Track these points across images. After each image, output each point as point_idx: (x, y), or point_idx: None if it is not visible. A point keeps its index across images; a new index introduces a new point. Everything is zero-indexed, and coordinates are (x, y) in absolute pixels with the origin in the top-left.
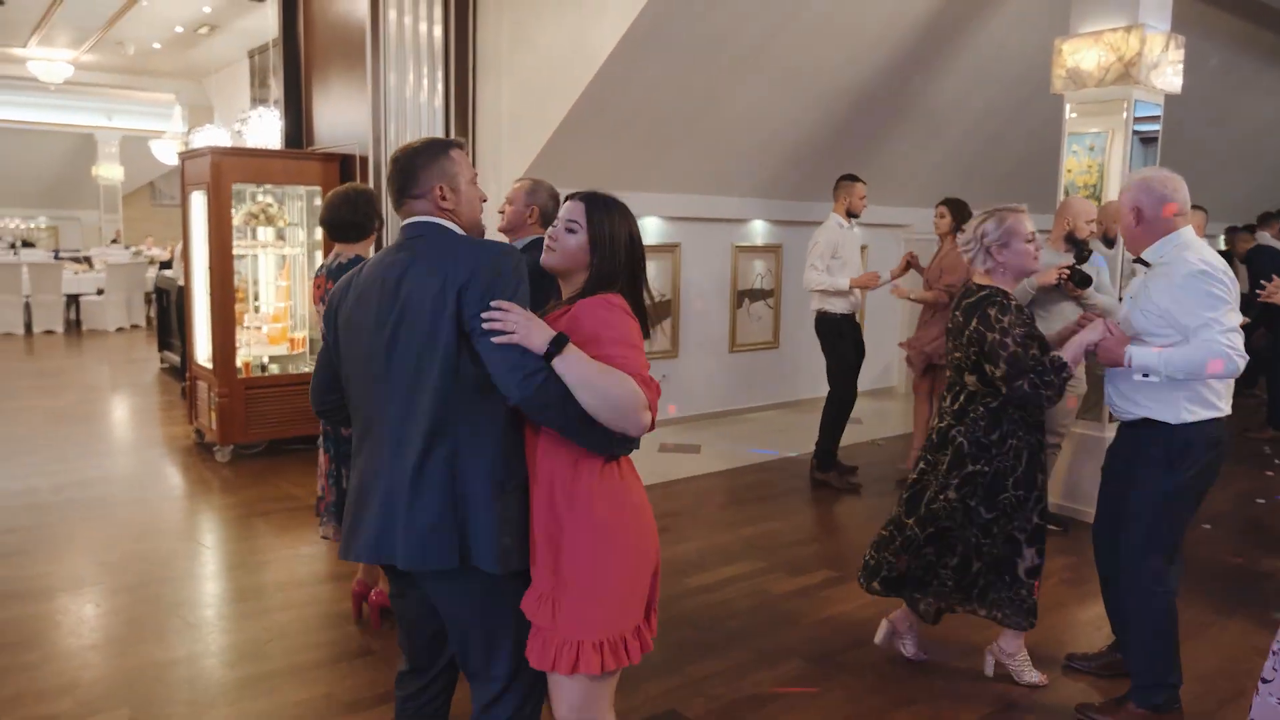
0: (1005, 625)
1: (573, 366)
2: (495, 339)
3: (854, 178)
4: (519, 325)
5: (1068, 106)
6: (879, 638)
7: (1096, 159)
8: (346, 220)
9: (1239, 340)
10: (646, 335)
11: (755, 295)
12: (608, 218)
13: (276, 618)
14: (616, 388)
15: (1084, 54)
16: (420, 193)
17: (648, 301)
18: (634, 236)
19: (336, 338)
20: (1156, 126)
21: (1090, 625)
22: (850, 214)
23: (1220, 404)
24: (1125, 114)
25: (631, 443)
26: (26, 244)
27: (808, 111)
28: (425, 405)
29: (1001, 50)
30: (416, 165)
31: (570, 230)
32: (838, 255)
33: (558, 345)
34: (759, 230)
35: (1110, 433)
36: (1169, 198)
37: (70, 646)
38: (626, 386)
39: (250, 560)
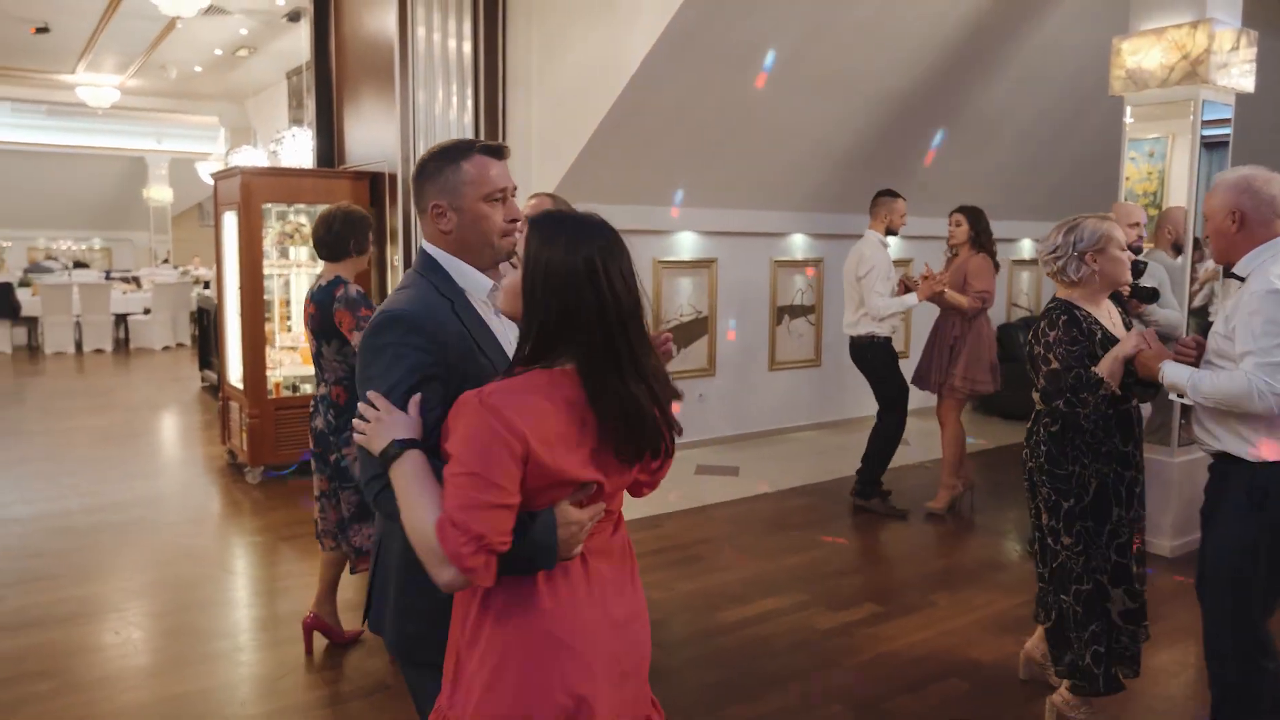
0: (1090, 687)
1: (398, 484)
2: (355, 435)
3: (894, 193)
4: (371, 422)
5: (1128, 109)
6: (1022, 673)
7: (1156, 165)
8: (321, 239)
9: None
10: (632, 451)
11: (795, 311)
12: (547, 246)
13: (293, 650)
14: (415, 524)
15: (1146, 53)
16: (421, 209)
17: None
18: (592, 270)
19: None
20: (1227, 130)
21: (1163, 673)
22: (890, 232)
23: None
24: (1192, 116)
25: (549, 557)
26: (80, 265)
27: (850, 120)
28: None
29: (1054, 51)
30: (420, 176)
31: (514, 264)
32: (891, 279)
33: (394, 452)
34: (799, 244)
35: (1179, 458)
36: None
37: (86, 678)
38: (422, 527)
39: (273, 587)
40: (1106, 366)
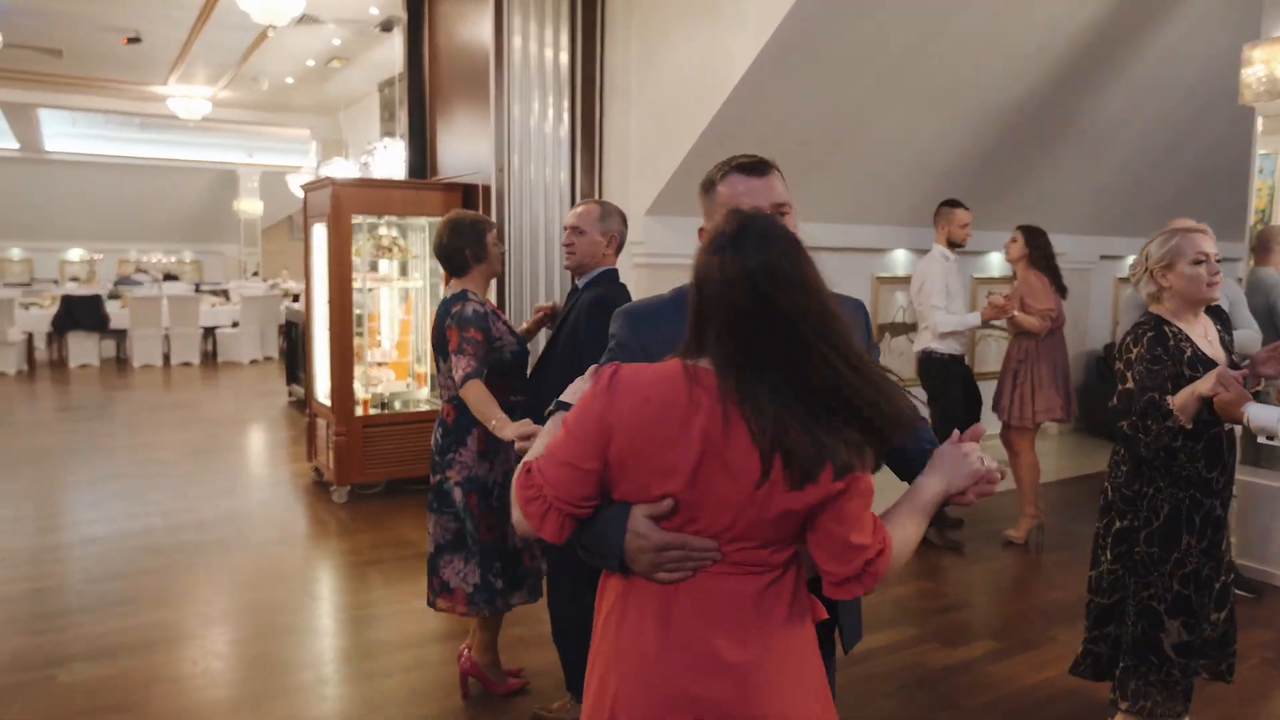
0: (1154, 716)
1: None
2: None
3: (956, 203)
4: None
5: (1258, 120)
6: None
7: (1266, 181)
8: (438, 253)
9: None
10: None
11: (896, 329)
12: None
13: (379, 684)
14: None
15: (1279, 61)
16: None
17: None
18: (748, 273)
19: None
20: None
21: None
22: (952, 244)
23: None
24: None
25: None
26: (170, 277)
27: (956, 133)
28: None
29: (1173, 61)
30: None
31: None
32: (957, 293)
33: (551, 409)
34: (900, 260)
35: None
36: None
37: (164, 711)
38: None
39: (360, 615)
40: (1181, 400)
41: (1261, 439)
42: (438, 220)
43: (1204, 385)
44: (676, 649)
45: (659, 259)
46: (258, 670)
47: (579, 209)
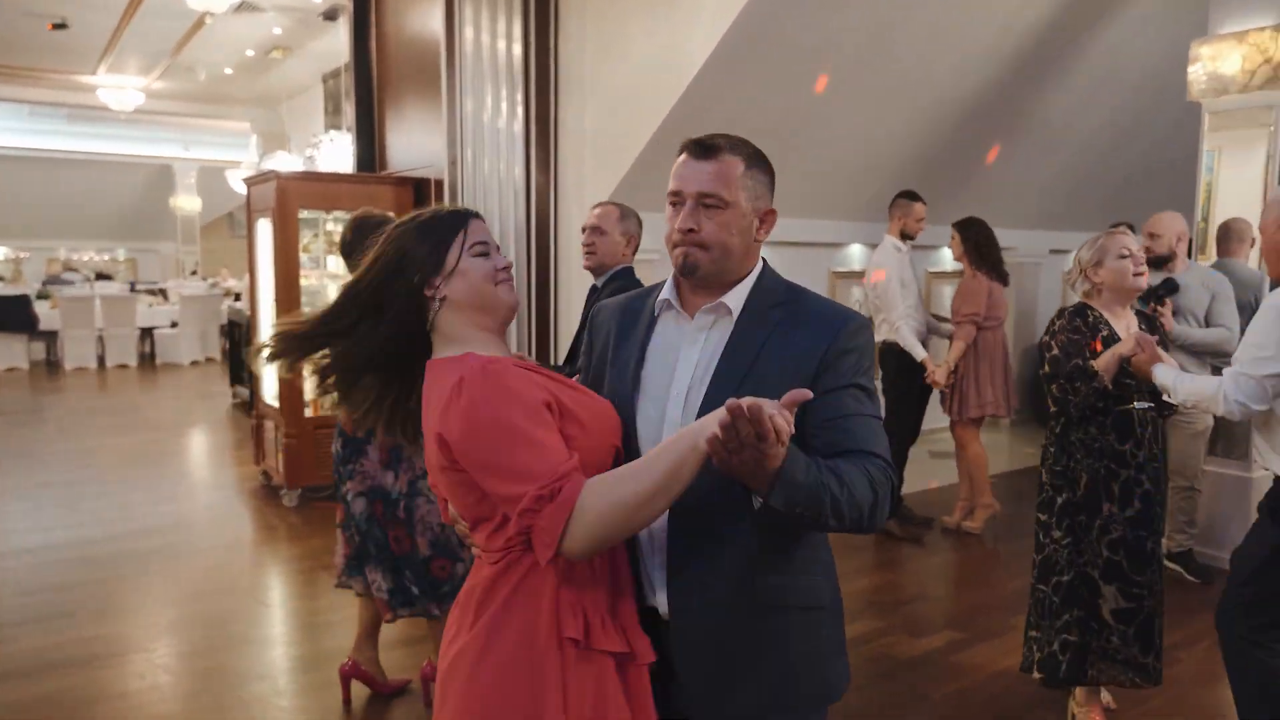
0: (1108, 684)
1: None
2: None
3: (914, 195)
4: None
5: (1205, 116)
6: None
7: (1206, 178)
8: (341, 249)
9: (1250, 391)
10: None
11: None
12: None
13: (335, 693)
14: None
15: (1225, 57)
16: None
17: None
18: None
19: None
20: None
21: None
22: (905, 236)
23: None
24: (1272, 125)
25: None
26: (103, 276)
27: (911, 128)
28: None
29: (1122, 57)
30: None
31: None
32: (911, 286)
33: None
34: (856, 255)
35: (1257, 473)
36: None
37: None
38: None
39: (313, 621)
40: (1104, 361)
41: (1165, 397)
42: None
43: (1124, 346)
44: None
45: None
46: (209, 683)
47: (599, 210)
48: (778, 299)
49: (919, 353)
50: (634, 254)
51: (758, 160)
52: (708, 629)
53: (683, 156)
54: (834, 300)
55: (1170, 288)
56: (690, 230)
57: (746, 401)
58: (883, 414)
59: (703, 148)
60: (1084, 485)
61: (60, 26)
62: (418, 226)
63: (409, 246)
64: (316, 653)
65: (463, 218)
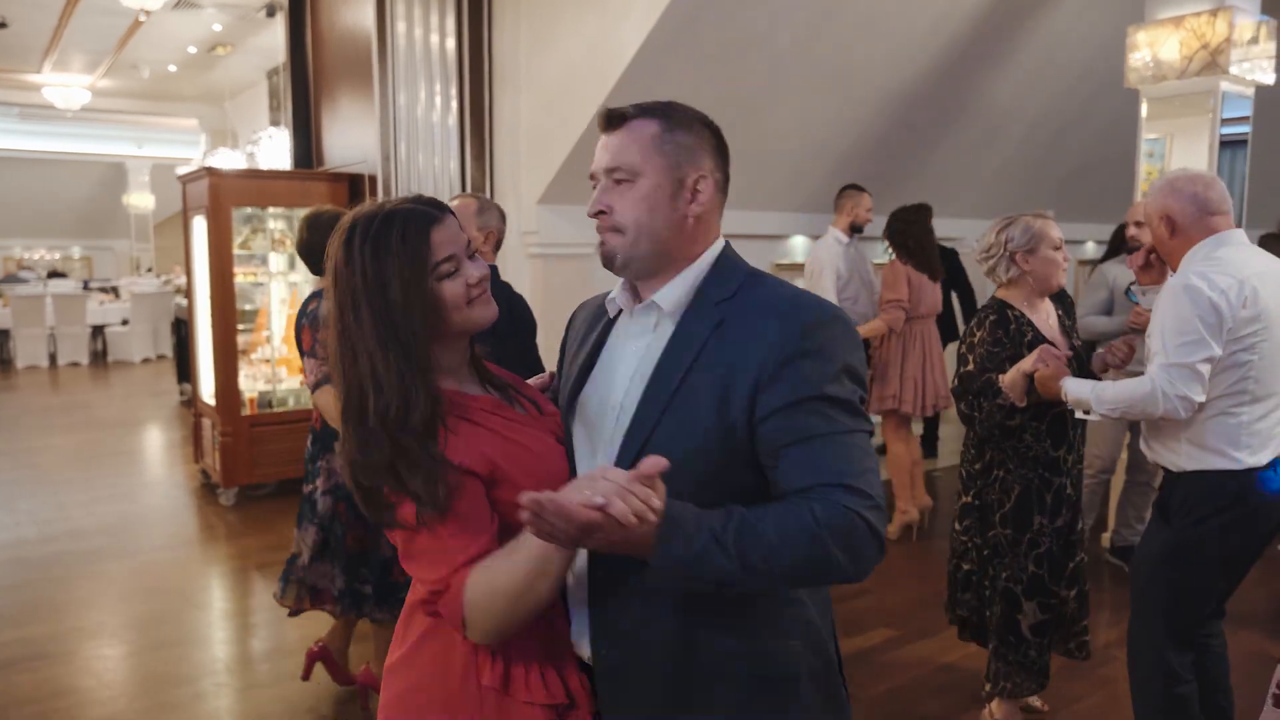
0: (1013, 696)
1: None
2: None
3: (859, 188)
4: None
5: (1143, 103)
6: None
7: (1156, 165)
8: (298, 250)
9: (1187, 380)
10: None
11: None
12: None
13: (261, 694)
14: None
15: (1163, 43)
16: None
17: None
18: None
19: None
20: (1246, 128)
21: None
22: (855, 228)
23: (1237, 454)
24: (1211, 109)
25: None
26: (56, 274)
27: (852, 118)
28: None
29: (1064, 42)
30: None
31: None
32: (851, 278)
33: None
34: (799, 247)
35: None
36: (1206, 199)
37: None
38: None
39: (244, 622)
40: (1009, 378)
41: (1079, 414)
42: None
43: (1027, 363)
44: None
45: (553, 248)
46: (139, 686)
47: (456, 203)
48: (729, 291)
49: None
50: (495, 250)
51: (683, 121)
52: (637, 691)
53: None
54: (803, 289)
55: None
56: (601, 213)
57: (546, 497)
58: (868, 426)
59: (609, 118)
60: (1015, 497)
61: (1, 26)
62: (372, 247)
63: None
64: (243, 655)
65: (425, 228)
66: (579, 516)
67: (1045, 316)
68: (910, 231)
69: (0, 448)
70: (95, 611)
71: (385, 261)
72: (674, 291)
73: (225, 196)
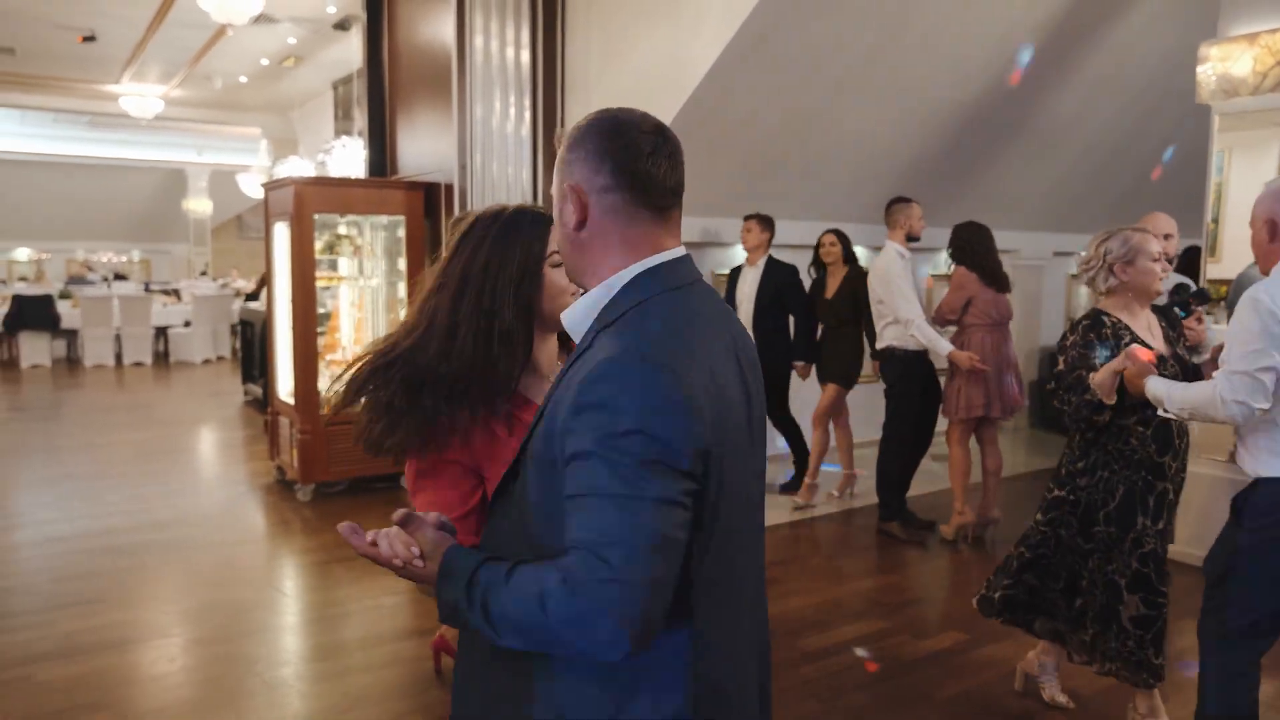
0: (1123, 681)
1: None
2: None
3: (907, 200)
4: None
5: (1215, 118)
6: (1018, 684)
7: (1215, 179)
8: None
9: (1248, 388)
10: None
11: None
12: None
13: (356, 680)
14: None
15: (1236, 59)
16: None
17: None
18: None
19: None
20: None
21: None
22: (910, 238)
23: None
24: None
25: None
26: (119, 277)
27: (913, 132)
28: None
29: (1127, 59)
30: None
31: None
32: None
33: None
34: (861, 257)
35: (1234, 473)
36: None
37: (142, 708)
38: None
39: (330, 613)
40: (1099, 376)
41: (1160, 411)
42: (399, 219)
43: (1116, 362)
44: None
45: None
46: (234, 666)
47: None
48: (610, 319)
49: (942, 347)
50: None
51: (588, 133)
52: None
53: None
54: (653, 333)
55: (1202, 298)
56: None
57: (343, 527)
58: (652, 493)
59: None
60: (1119, 497)
61: (89, 39)
62: (501, 230)
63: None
64: (333, 642)
65: (544, 226)
66: (362, 550)
67: (1145, 325)
68: (972, 244)
69: (78, 443)
70: (190, 597)
71: (512, 245)
72: (574, 312)
73: (308, 204)
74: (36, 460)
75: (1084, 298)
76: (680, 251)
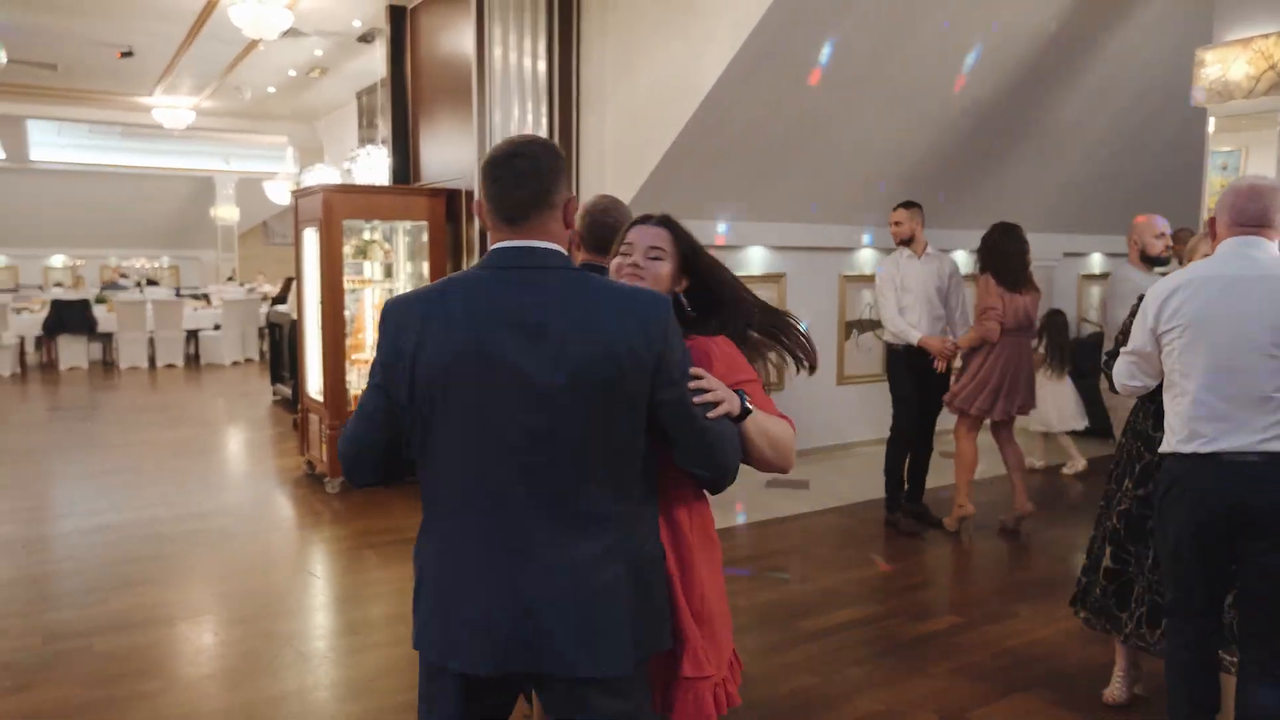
0: (1089, 628)
1: (758, 418)
2: (711, 413)
3: (901, 204)
4: (721, 391)
5: (1210, 121)
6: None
7: (1229, 178)
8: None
9: (1121, 369)
10: None
11: (863, 326)
12: (692, 240)
13: (387, 652)
14: (785, 435)
15: (1231, 64)
16: (555, 202)
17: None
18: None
19: (416, 391)
20: None
21: None
22: (901, 241)
23: (1167, 440)
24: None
25: None
26: (151, 282)
27: (920, 134)
28: (600, 481)
29: (1128, 63)
30: (553, 167)
31: (657, 257)
32: (908, 290)
33: (744, 400)
34: (867, 259)
35: None
36: (1224, 206)
37: (190, 676)
38: (788, 432)
39: (361, 593)
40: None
41: None
42: (422, 225)
43: None
44: None
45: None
46: (272, 641)
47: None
48: None
49: (911, 336)
50: None
51: None
52: None
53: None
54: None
55: None
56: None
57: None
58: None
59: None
60: (1118, 458)
61: (127, 54)
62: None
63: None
64: (361, 620)
65: (633, 223)
66: None
67: None
68: (994, 249)
69: (119, 440)
70: (231, 579)
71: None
72: None
73: (337, 210)
74: (80, 456)
75: (1095, 298)
76: (511, 244)
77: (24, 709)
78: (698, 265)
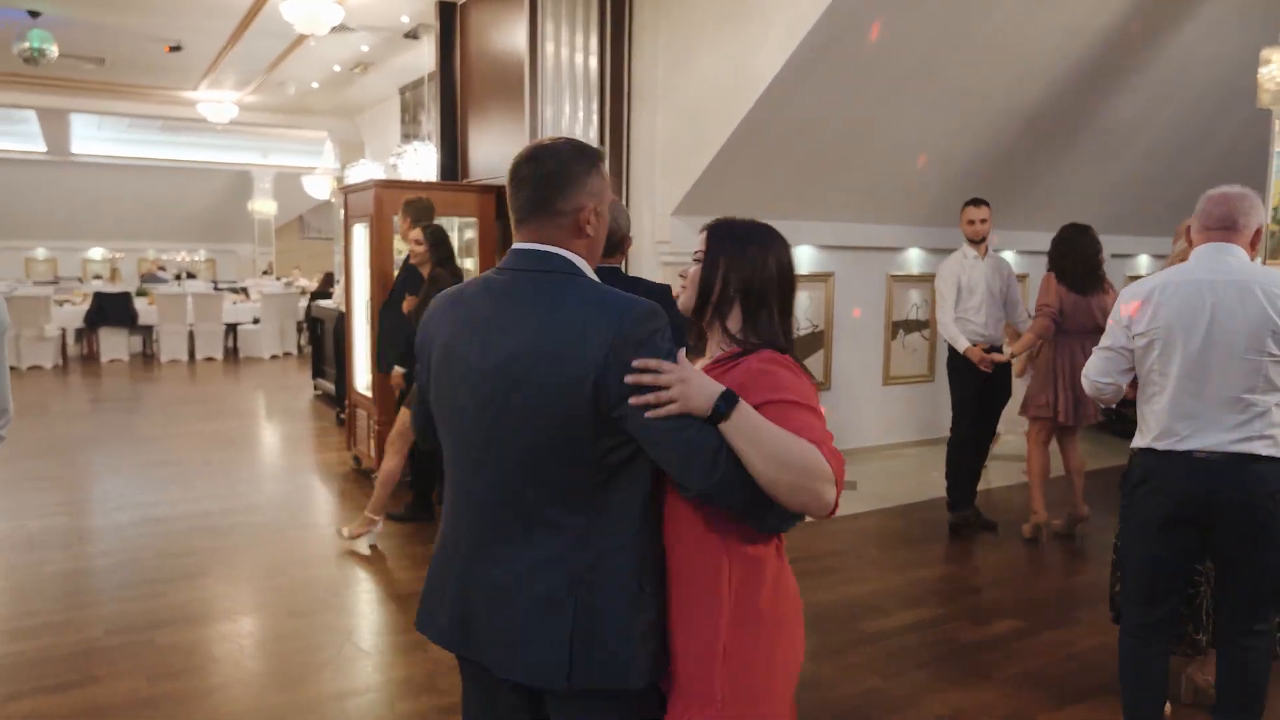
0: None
1: (749, 427)
2: (650, 413)
3: (970, 201)
4: (676, 389)
5: (1276, 123)
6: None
7: None
8: None
9: (1093, 364)
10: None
11: (910, 326)
12: (739, 247)
13: (442, 650)
14: (802, 458)
15: None
16: (561, 209)
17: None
18: (782, 267)
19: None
20: None
21: None
22: (970, 241)
23: (1142, 436)
24: None
25: (797, 518)
26: (189, 275)
27: (972, 134)
28: (553, 490)
29: (1189, 63)
30: (566, 174)
31: (699, 260)
32: (975, 290)
33: (727, 403)
34: (914, 259)
35: None
36: (1196, 212)
37: (252, 670)
38: (809, 453)
39: (414, 590)
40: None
41: None
42: (471, 221)
43: None
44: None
45: (686, 257)
46: (332, 637)
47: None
48: None
49: (959, 343)
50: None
51: None
52: None
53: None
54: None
55: None
56: None
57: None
58: None
59: None
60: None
61: (176, 49)
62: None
63: None
64: (410, 616)
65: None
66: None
67: None
68: (1063, 248)
69: (164, 432)
70: (283, 573)
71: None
72: None
73: (387, 206)
74: (126, 448)
75: None
76: (518, 245)
77: (94, 702)
78: (725, 274)
